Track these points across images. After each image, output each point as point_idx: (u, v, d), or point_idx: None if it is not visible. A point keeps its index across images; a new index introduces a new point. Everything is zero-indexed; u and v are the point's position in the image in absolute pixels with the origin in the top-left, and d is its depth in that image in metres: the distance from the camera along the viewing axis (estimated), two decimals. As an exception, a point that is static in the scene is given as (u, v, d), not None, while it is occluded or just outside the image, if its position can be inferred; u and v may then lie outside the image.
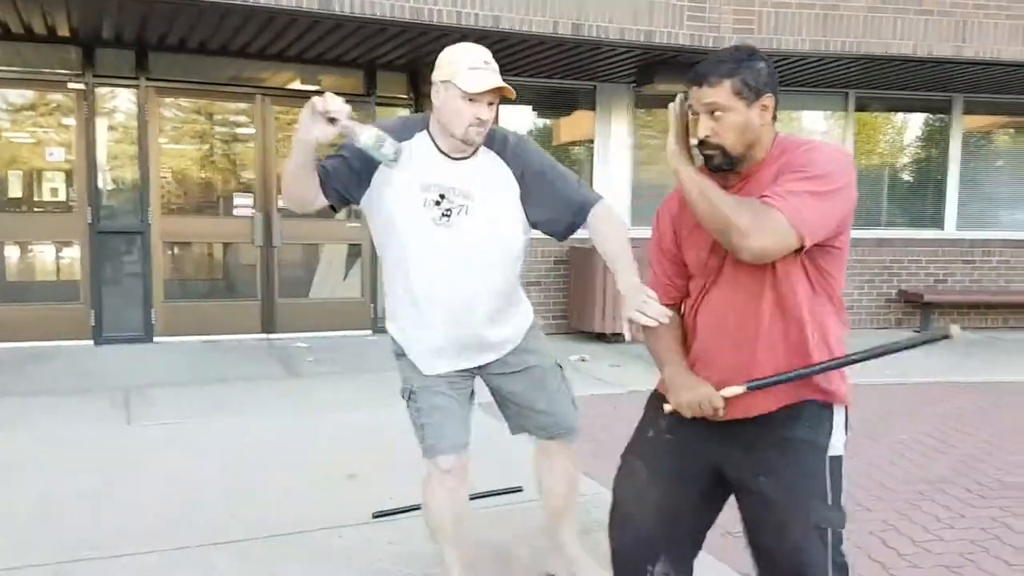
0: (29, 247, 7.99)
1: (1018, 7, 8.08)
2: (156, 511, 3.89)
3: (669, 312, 2.31)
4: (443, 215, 2.63)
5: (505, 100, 2.64)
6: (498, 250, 2.72)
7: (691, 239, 2.23)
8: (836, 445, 2.17)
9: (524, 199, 2.71)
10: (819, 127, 10.14)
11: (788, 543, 2.12)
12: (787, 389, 2.14)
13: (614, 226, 2.73)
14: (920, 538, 3.80)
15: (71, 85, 7.70)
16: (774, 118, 2.13)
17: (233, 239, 8.44)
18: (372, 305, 8.80)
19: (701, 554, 2.43)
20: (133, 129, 7.94)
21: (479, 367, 2.87)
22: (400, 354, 2.88)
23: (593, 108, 9.24)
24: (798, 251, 2.04)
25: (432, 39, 7.17)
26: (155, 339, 8.02)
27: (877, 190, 10.12)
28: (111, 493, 4.11)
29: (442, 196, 2.63)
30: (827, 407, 2.19)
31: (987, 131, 10.50)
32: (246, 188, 8.40)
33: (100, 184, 7.89)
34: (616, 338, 7.83)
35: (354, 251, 8.81)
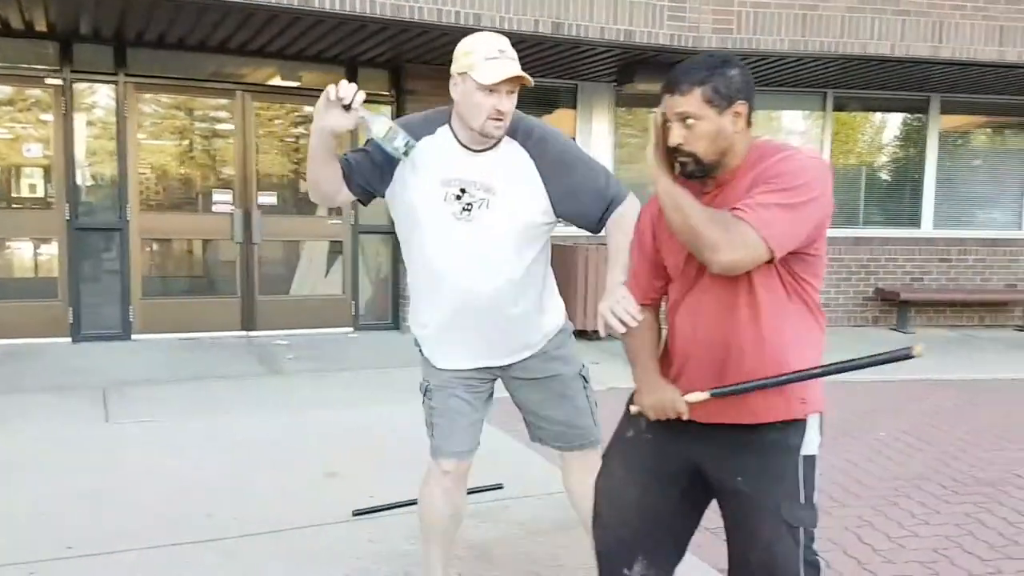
0: (6, 244, 7.90)
1: (994, 8, 8.17)
2: (135, 509, 3.87)
3: (638, 314, 2.32)
4: (464, 209, 2.59)
5: (524, 88, 2.58)
6: (520, 244, 2.66)
7: (669, 244, 2.24)
8: (810, 445, 2.19)
9: (550, 192, 2.64)
10: (798, 127, 10.21)
11: (760, 541, 2.15)
12: (776, 408, 2.15)
13: (629, 225, 2.58)
14: (895, 534, 3.85)
15: (49, 81, 7.63)
16: (749, 124, 2.13)
17: (212, 236, 8.39)
18: (353, 302, 8.78)
19: (679, 551, 2.45)
20: (112, 125, 7.88)
21: (501, 368, 2.80)
22: (417, 346, 2.87)
23: (574, 106, 9.27)
24: (771, 261, 2.05)
25: (413, 36, 7.17)
26: (133, 336, 7.96)
27: (855, 189, 10.21)
28: (89, 492, 4.09)
29: (463, 190, 2.59)
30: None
31: (964, 131, 10.60)
32: (225, 184, 8.35)
33: (78, 180, 7.82)
34: (596, 335, 7.86)
35: (335, 248, 8.78)
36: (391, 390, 6.32)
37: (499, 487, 4.10)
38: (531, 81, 2.53)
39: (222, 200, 8.30)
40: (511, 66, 2.48)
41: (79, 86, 7.77)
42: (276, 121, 8.74)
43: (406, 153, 2.49)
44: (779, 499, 2.14)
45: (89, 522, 3.72)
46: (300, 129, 8.84)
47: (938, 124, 10.18)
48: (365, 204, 2.79)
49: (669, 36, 7.50)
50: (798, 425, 2.17)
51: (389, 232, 8.81)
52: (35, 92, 7.75)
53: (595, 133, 9.22)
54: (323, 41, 7.58)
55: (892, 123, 10.56)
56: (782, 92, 9.71)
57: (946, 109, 10.21)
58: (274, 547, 3.52)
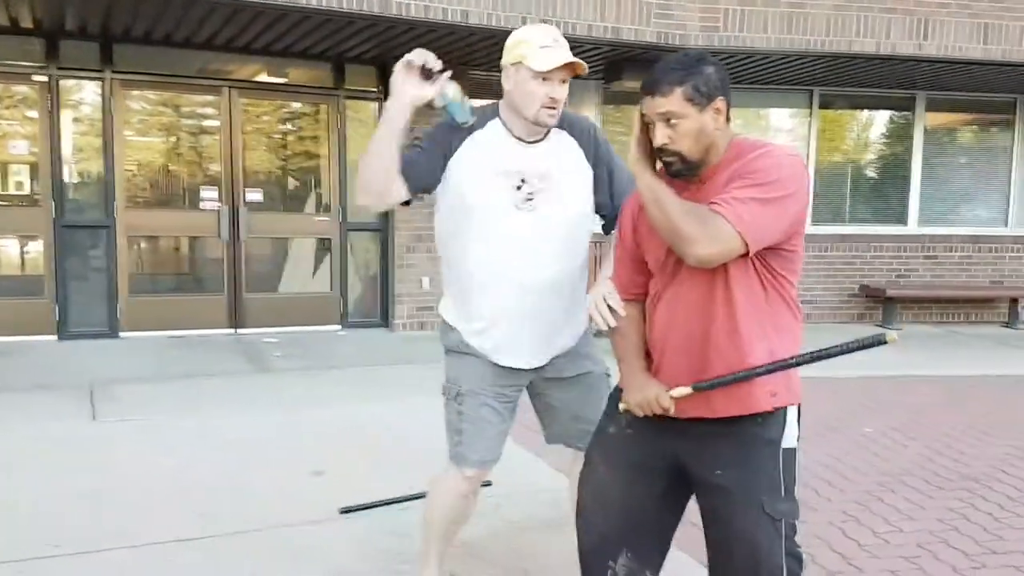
0: (-8, 241, 7.88)
1: (979, 5, 8.22)
2: (121, 508, 3.87)
3: (622, 309, 2.35)
4: (526, 199, 2.61)
5: (577, 77, 2.60)
6: (574, 233, 2.69)
7: (650, 239, 2.27)
8: (789, 438, 2.21)
9: (596, 181, 2.72)
10: (784, 125, 10.24)
11: (742, 534, 2.17)
12: (747, 400, 2.17)
13: None
14: (880, 529, 3.88)
15: (35, 77, 7.59)
16: (727, 120, 2.17)
17: (199, 233, 8.36)
18: (342, 300, 8.77)
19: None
20: (98, 122, 7.85)
21: (535, 370, 2.77)
22: (452, 350, 2.77)
23: (562, 103, 9.26)
24: (746, 255, 2.08)
25: (400, 32, 7.16)
26: (120, 334, 7.94)
27: (841, 187, 10.25)
28: (76, 490, 4.08)
29: (523, 180, 2.61)
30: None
31: (949, 128, 10.66)
32: (212, 181, 8.32)
33: (65, 177, 7.78)
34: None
35: (324, 245, 8.77)
36: (379, 388, 6.33)
37: (487, 484, 4.10)
38: (585, 68, 2.57)
39: (209, 197, 8.27)
40: (564, 54, 2.52)
41: (65, 83, 7.74)
42: (263, 118, 8.71)
43: (470, 122, 2.52)
44: (760, 492, 2.16)
45: (76, 520, 3.71)
46: (287, 126, 8.83)
47: (923, 121, 10.23)
48: (408, 205, 2.72)
49: (656, 34, 7.53)
50: (777, 418, 2.20)
51: (378, 229, 8.82)
52: (21, 89, 7.72)
53: (583, 130, 9.21)
54: (310, 37, 7.57)
55: (878, 121, 10.61)
56: (768, 90, 9.75)
57: (932, 107, 10.27)
58: (261, 545, 3.51)
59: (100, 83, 7.76)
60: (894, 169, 10.42)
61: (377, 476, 4.30)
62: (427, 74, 2.43)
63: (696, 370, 2.18)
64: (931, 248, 10.18)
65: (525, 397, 2.90)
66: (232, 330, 8.34)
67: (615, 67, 8.35)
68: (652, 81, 2.12)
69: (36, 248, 7.82)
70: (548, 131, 2.66)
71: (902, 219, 10.29)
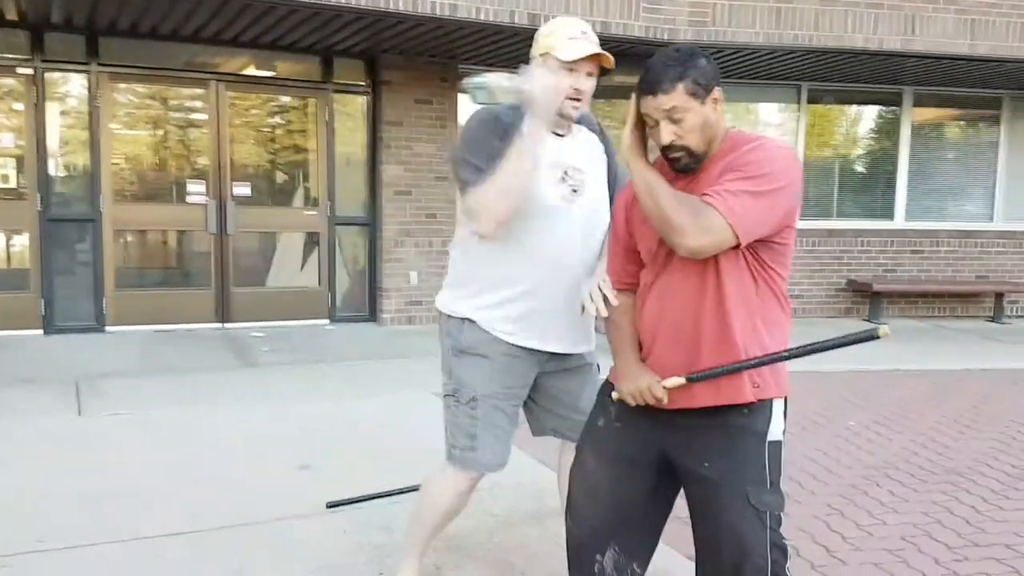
0: (-23, 235, 7.84)
1: (966, 2, 8.26)
2: (108, 503, 3.86)
3: (614, 299, 2.38)
4: (572, 191, 2.66)
5: (604, 71, 2.64)
6: (601, 226, 2.73)
7: (642, 230, 2.28)
8: (775, 431, 2.23)
9: (609, 174, 2.82)
10: (773, 119, 10.27)
11: (728, 526, 2.18)
12: (727, 390, 2.18)
13: None
14: (864, 522, 3.90)
15: (20, 70, 7.55)
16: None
17: (186, 227, 8.34)
18: (330, 294, 8.76)
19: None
20: (84, 115, 7.81)
21: (547, 361, 2.78)
22: (467, 351, 2.72)
23: (551, 98, 9.25)
24: (738, 247, 2.09)
25: (389, 26, 7.15)
26: (107, 328, 7.92)
27: (828, 181, 10.30)
28: (62, 484, 4.07)
29: (566, 173, 2.65)
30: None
31: (936, 123, 10.71)
32: (200, 175, 8.29)
33: (50, 171, 7.75)
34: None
35: (312, 239, 8.76)
36: (367, 382, 6.32)
37: (474, 478, 4.11)
38: (612, 61, 2.60)
39: (196, 191, 8.25)
40: (592, 46, 2.57)
41: (51, 75, 7.70)
42: (251, 111, 8.68)
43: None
44: (746, 484, 2.17)
45: (62, 515, 3.70)
46: (275, 119, 8.80)
47: (911, 117, 10.28)
48: None
49: (644, 28, 7.53)
50: (763, 410, 2.21)
51: (366, 224, 8.81)
52: (6, 81, 7.66)
53: (572, 125, 9.22)
54: (297, 31, 7.55)
55: (866, 116, 10.65)
56: (757, 85, 9.77)
57: (919, 102, 10.32)
58: (247, 540, 3.51)
59: (86, 76, 7.73)
60: (881, 164, 10.47)
61: (364, 470, 4.31)
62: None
63: (685, 361, 2.19)
64: (918, 243, 10.24)
65: None
66: (219, 324, 8.32)
67: (604, 61, 8.34)
68: (651, 80, 2.12)
69: (22, 242, 7.78)
70: (571, 125, 2.71)
71: (889, 214, 10.34)
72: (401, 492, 3.92)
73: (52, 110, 7.74)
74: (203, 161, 8.31)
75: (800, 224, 2.21)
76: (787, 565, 2.26)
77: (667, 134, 2.13)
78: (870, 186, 10.50)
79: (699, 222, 2.03)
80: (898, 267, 10.19)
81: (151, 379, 6.25)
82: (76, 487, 4.04)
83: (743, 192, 2.05)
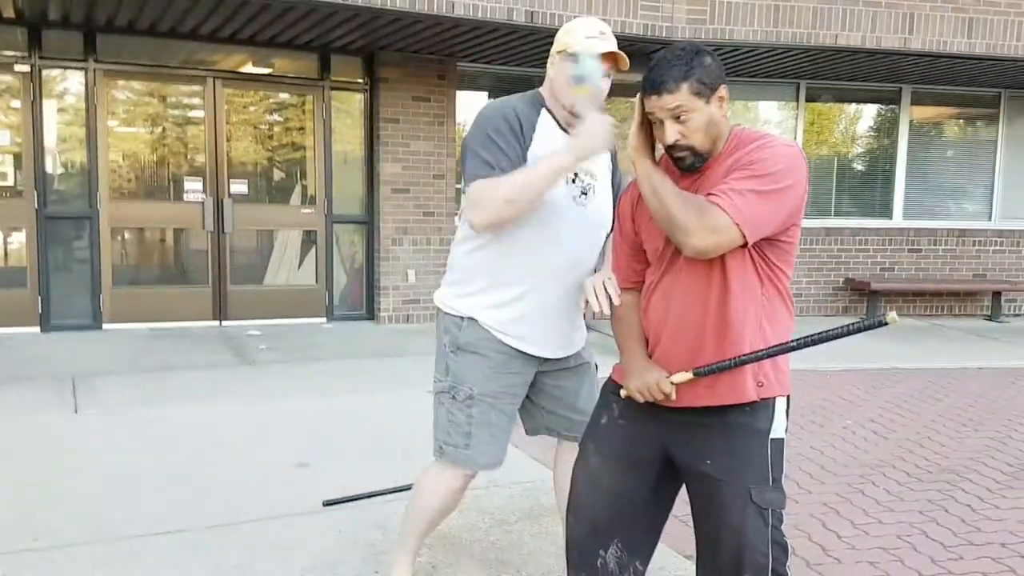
0: (-26, 233, 7.83)
1: (963, 0, 8.24)
2: (103, 500, 3.86)
3: (616, 298, 2.38)
4: (582, 193, 2.67)
5: (619, 72, 2.65)
6: (607, 228, 2.74)
7: (649, 229, 2.28)
8: (778, 429, 2.23)
9: (613, 179, 2.84)
10: (771, 117, 10.26)
11: (730, 524, 2.18)
12: (731, 389, 2.18)
13: None
14: (860, 521, 3.90)
15: (17, 67, 7.53)
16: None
17: (184, 224, 8.33)
18: (327, 293, 8.75)
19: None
20: (81, 112, 7.80)
21: (545, 361, 2.78)
22: (465, 348, 2.71)
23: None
24: (744, 246, 2.09)
25: (386, 23, 7.14)
26: (104, 326, 7.91)
27: (827, 180, 10.29)
28: (57, 482, 4.07)
29: (576, 174, 2.65)
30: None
31: (935, 122, 10.71)
32: (197, 173, 8.28)
33: (48, 168, 7.74)
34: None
35: (309, 237, 8.74)
36: (364, 381, 6.32)
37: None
38: (627, 63, 2.62)
39: (193, 188, 8.23)
40: (608, 44, 2.58)
41: (48, 72, 7.68)
42: (248, 109, 8.67)
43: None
44: (748, 482, 2.17)
45: (56, 513, 3.70)
46: (273, 117, 8.79)
47: (909, 115, 10.28)
48: None
49: (643, 27, 7.53)
50: (766, 408, 2.21)
51: (363, 222, 8.81)
52: (3, 78, 7.64)
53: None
54: (295, 28, 7.54)
55: (864, 114, 10.64)
56: (755, 83, 9.77)
57: (917, 100, 10.32)
58: (244, 538, 3.51)
59: (83, 73, 7.72)
60: (879, 163, 10.48)
61: (361, 469, 4.31)
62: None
63: (690, 359, 2.19)
64: (915, 241, 10.24)
65: None
66: (216, 322, 8.32)
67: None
68: (656, 80, 2.11)
69: (19, 239, 7.77)
70: None
71: (887, 212, 10.34)
72: (398, 490, 3.92)
73: (49, 107, 7.72)
74: (200, 159, 8.29)
75: (801, 221, 2.21)
76: (787, 563, 2.27)
77: (672, 133, 2.12)
78: (868, 184, 10.50)
79: (705, 222, 2.03)
80: (896, 266, 10.20)
81: (148, 377, 6.24)
82: (71, 485, 4.04)
83: (749, 191, 2.05)
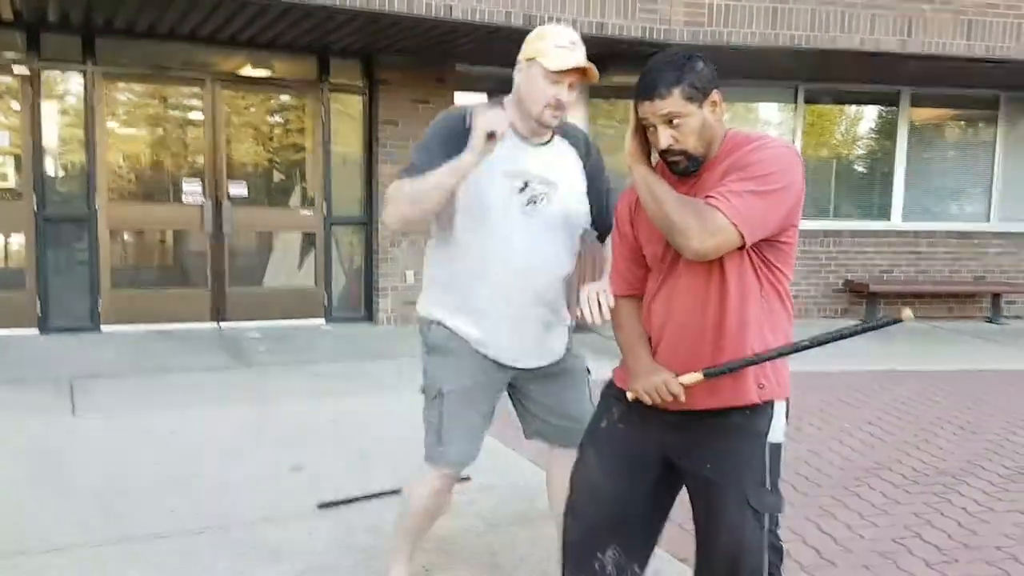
0: (-27, 235, 7.83)
1: (961, 2, 8.23)
2: (97, 503, 3.86)
3: (606, 312, 2.37)
4: (529, 202, 2.64)
5: (590, 83, 2.64)
6: (569, 240, 2.73)
7: (647, 233, 2.29)
8: (776, 432, 2.23)
9: (590, 192, 2.78)
10: (770, 120, 10.26)
11: (726, 527, 2.19)
12: (732, 392, 2.19)
13: None
14: (855, 523, 3.90)
15: (16, 69, 7.54)
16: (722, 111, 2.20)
17: (182, 226, 8.33)
18: (325, 294, 8.75)
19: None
20: (80, 114, 7.80)
21: (528, 370, 2.79)
22: (435, 348, 2.76)
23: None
24: (743, 247, 2.10)
25: (385, 26, 7.14)
26: (102, 328, 7.90)
27: (826, 182, 10.28)
28: (54, 484, 4.07)
29: (526, 183, 2.63)
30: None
31: (934, 124, 10.70)
32: (196, 175, 8.27)
33: (47, 170, 7.74)
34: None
35: (308, 239, 8.74)
36: (362, 383, 6.33)
37: (466, 479, 4.11)
38: (596, 76, 2.59)
39: (192, 191, 8.22)
40: (578, 57, 2.55)
41: (47, 75, 7.69)
42: (247, 111, 8.68)
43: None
44: (746, 485, 2.18)
45: (51, 516, 3.70)
46: (272, 119, 8.80)
47: (908, 117, 10.27)
48: None
49: (641, 29, 7.52)
50: (764, 412, 2.21)
51: (362, 223, 8.81)
52: (2, 80, 7.65)
53: (569, 125, 9.22)
54: (293, 30, 7.54)
55: (863, 116, 10.64)
56: (754, 85, 9.75)
57: (916, 102, 10.30)
58: (239, 540, 3.51)
59: (82, 75, 7.72)
60: (879, 164, 10.47)
61: (356, 471, 4.31)
62: (492, 135, 2.45)
63: (690, 362, 2.20)
64: (915, 243, 10.23)
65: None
66: (215, 324, 8.31)
67: (600, 62, 8.09)
68: (648, 85, 2.12)
69: (18, 241, 7.77)
70: (552, 135, 2.70)
71: (886, 214, 10.32)
72: (394, 493, 3.90)
73: (48, 109, 7.72)
74: (199, 161, 8.29)
75: (799, 222, 2.21)
76: (781, 567, 2.28)
77: (664, 138, 2.13)
78: (867, 186, 10.49)
79: (704, 224, 2.04)
80: (895, 267, 10.19)
81: (146, 379, 6.24)
82: (67, 487, 4.04)
83: (747, 192, 2.05)
